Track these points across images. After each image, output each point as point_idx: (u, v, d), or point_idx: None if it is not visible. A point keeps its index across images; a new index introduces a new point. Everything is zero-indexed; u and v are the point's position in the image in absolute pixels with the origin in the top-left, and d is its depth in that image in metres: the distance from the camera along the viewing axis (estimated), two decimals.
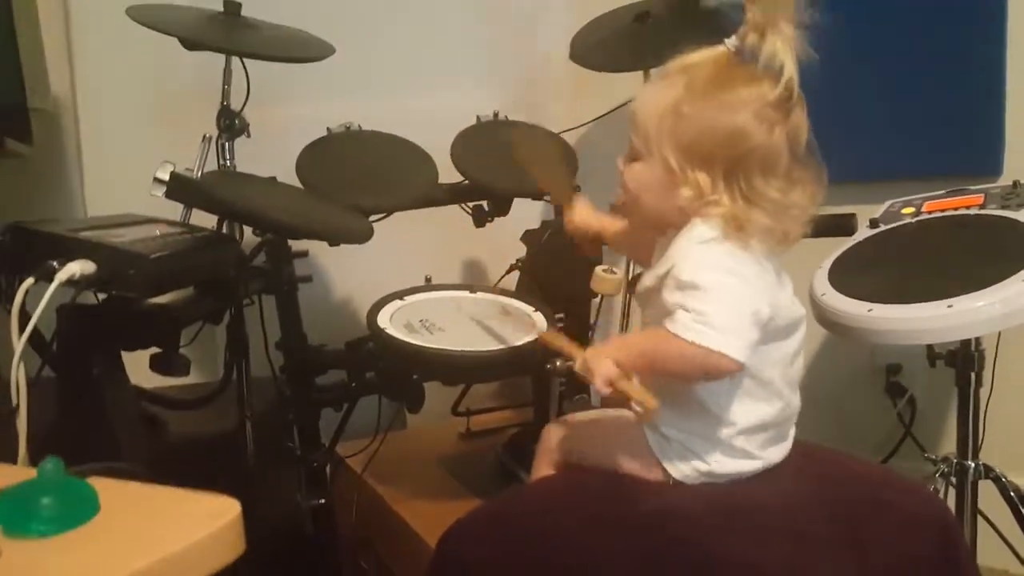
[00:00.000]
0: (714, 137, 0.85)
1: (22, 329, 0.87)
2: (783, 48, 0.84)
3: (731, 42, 0.87)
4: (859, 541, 0.87)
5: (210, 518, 0.57)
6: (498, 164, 1.53)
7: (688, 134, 0.86)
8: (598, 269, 1.31)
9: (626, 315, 1.61)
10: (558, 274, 1.41)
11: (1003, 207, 1.25)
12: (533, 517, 0.94)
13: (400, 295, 1.29)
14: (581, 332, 1.40)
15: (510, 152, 1.57)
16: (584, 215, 1.13)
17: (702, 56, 0.88)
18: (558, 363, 1.26)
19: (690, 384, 0.88)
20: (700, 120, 0.86)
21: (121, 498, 0.60)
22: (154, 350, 1.07)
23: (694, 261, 0.86)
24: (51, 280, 0.88)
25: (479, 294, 1.35)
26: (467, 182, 1.50)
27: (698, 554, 0.84)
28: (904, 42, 1.60)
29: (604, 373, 0.85)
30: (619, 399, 1.10)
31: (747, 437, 0.91)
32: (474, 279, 1.83)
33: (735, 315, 0.83)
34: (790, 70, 0.84)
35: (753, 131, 0.85)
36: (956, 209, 1.30)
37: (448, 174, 1.50)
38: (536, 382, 1.47)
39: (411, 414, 1.40)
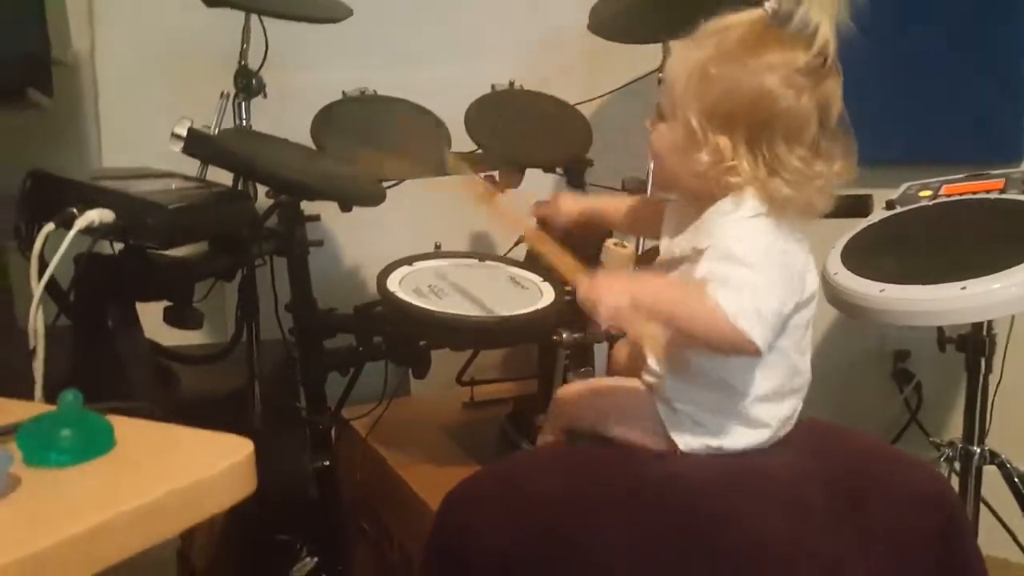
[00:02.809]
0: (738, 99, 0.83)
1: (41, 275, 0.87)
2: (819, 11, 0.82)
3: (770, 4, 0.84)
4: (862, 515, 0.88)
5: (223, 455, 0.58)
6: (512, 134, 1.53)
7: (711, 95, 0.84)
8: (609, 242, 1.31)
9: None
10: (568, 246, 1.41)
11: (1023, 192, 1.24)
12: (537, 481, 0.94)
13: (410, 260, 1.29)
14: None
15: (524, 121, 1.58)
16: (567, 204, 1.10)
17: (737, 18, 0.86)
18: (565, 335, 1.28)
19: (693, 349, 0.87)
20: (725, 81, 0.84)
21: (137, 434, 0.61)
22: (167, 303, 1.08)
23: (746, 236, 0.84)
24: (70, 227, 0.89)
25: (488, 262, 1.36)
26: (480, 151, 1.49)
27: (702, 521, 0.84)
28: (926, 25, 1.59)
29: (614, 305, 0.81)
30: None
31: (760, 405, 0.91)
32: (483, 249, 1.83)
33: (775, 310, 0.82)
34: (825, 35, 0.82)
35: (779, 95, 0.83)
36: (975, 193, 1.29)
37: (461, 143, 1.50)
38: (542, 353, 1.48)
39: (416, 380, 1.41)
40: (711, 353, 0.87)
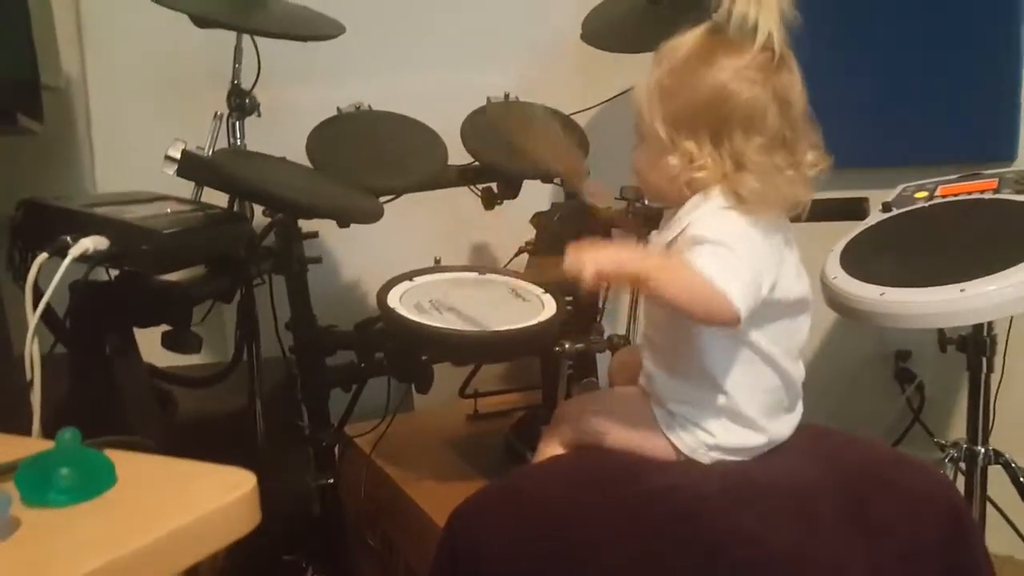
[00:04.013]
0: (696, 102, 0.87)
1: (36, 304, 0.87)
2: (756, 8, 0.85)
3: (717, 15, 0.88)
4: (867, 522, 0.88)
5: (226, 490, 0.58)
6: (508, 146, 1.53)
7: (672, 105, 0.89)
8: None
9: (635, 298, 1.60)
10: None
11: (1017, 192, 1.25)
12: (543, 495, 0.95)
13: (409, 276, 1.28)
14: (590, 315, 1.39)
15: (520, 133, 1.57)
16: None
17: (684, 36, 0.91)
18: (567, 345, 1.27)
19: (680, 320, 0.89)
20: (682, 90, 0.88)
21: (137, 470, 0.61)
22: (166, 327, 1.08)
23: (714, 223, 0.87)
24: (64, 255, 0.88)
25: (488, 276, 1.35)
26: (477, 164, 1.49)
27: (707, 531, 0.85)
28: (919, 26, 1.59)
29: (599, 268, 0.83)
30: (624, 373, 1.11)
31: (748, 403, 0.92)
32: (483, 261, 1.83)
33: (750, 272, 0.84)
34: (766, 27, 0.85)
35: (734, 91, 0.86)
36: (970, 194, 1.29)
37: (458, 156, 1.49)
38: (544, 364, 1.47)
39: (419, 395, 1.41)
40: (693, 323, 0.88)
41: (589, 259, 0.83)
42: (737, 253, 0.84)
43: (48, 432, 0.81)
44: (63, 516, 0.55)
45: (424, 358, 1.28)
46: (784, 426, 0.96)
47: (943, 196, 1.32)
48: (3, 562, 0.50)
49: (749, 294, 0.82)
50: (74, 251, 0.89)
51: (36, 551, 0.51)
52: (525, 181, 1.53)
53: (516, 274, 1.36)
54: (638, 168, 0.96)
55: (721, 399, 0.92)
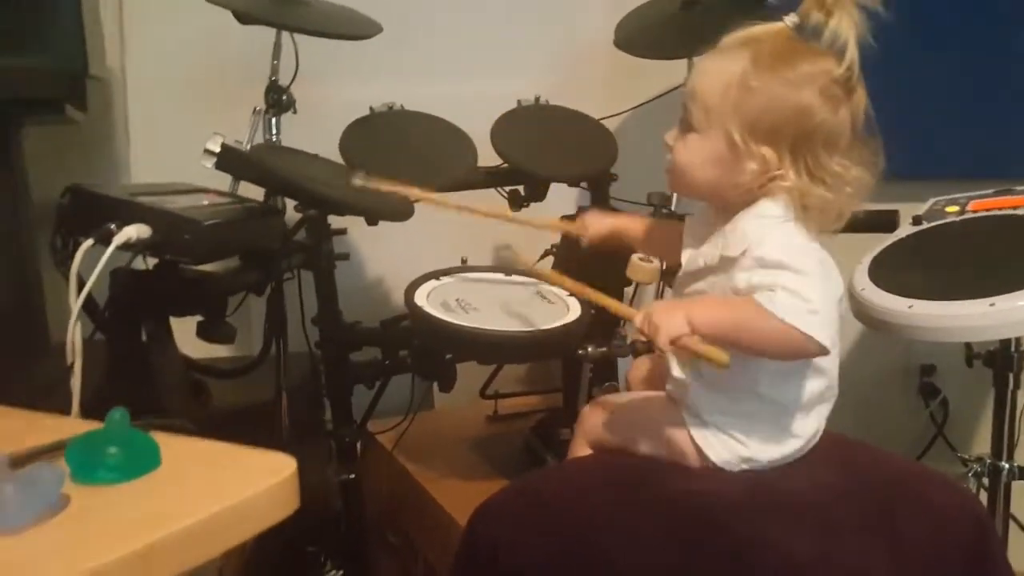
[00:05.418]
0: (781, 112, 0.85)
1: (79, 290, 0.89)
2: (848, 27, 0.84)
3: (791, 19, 0.87)
4: (892, 533, 0.88)
5: (268, 474, 0.59)
6: (538, 149, 1.54)
7: (755, 108, 0.85)
8: (634, 257, 1.30)
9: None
10: (593, 261, 1.41)
11: None
12: (566, 496, 0.95)
13: (436, 275, 1.29)
14: (613, 319, 1.40)
15: (550, 136, 1.58)
16: (596, 222, 1.12)
17: (764, 30, 0.88)
18: (590, 349, 1.28)
19: (761, 359, 0.87)
20: (767, 95, 0.85)
21: (181, 451, 0.62)
22: (200, 318, 1.09)
23: (781, 242, 0.85)
24: (108, 243, 0.90)
25: (515, 277, 1.36)
26: (505, 166, 1.50)
27: (731, 538, 0.85)
28: (955, 40, 1.58)
29: (674, 330, 0.82)
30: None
31: (791, 415, 0.92)
32: (509, 263, 1.84)
33: (829, 305, 0.83)
34: (853, 51, 0.85)
35: (819, 108, 0.85)
36: (1002, 209, 1.29)
37: (486, 158, 1.50)
38: (566, 367, 1.48)
39: (440, 395, 1.42)
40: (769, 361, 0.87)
41: (663, 327, 0.82)
42: (811, 280, 0.82)
43: (86, 416, 0.83)
44: (112, 494, 0.56)
45: (448, 357, 1.29)
46: (816, 436, 0.96)
47: (975, 211, 1.31)
48: (56, 536, 0.51)
49: (829, 323, 0.82)
50: (118, 239, 0.90)
51: (89, 526, 0.52)
52: (552, 184, 1.54)
53: (542, 276, 1.37)
54: (686, 160, 0.90)
55: (763, 411, 0.91)
